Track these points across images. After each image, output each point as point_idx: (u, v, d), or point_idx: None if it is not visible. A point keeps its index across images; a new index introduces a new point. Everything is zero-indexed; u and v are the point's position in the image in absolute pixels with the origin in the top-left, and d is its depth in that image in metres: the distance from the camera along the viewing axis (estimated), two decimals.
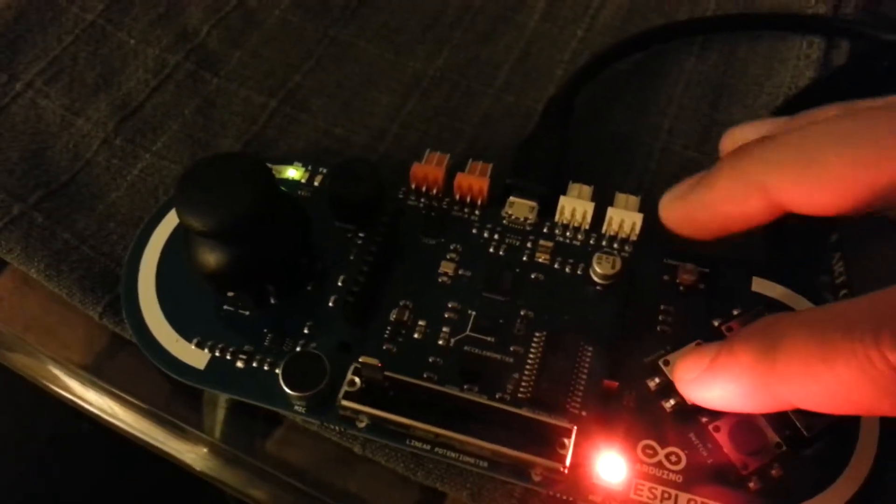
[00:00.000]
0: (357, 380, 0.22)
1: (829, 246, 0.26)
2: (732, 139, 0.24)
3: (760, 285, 0.25)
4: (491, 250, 0.26)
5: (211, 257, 0.22)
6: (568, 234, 0.26)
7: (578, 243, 0.26)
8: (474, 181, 0.26)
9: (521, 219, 0.26)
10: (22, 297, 0.26)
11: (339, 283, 0.25)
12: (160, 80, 0.31)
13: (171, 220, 0.26)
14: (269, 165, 0.23)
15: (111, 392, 0.25)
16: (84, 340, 0.26)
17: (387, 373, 0.22)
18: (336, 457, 0.24)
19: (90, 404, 0.26)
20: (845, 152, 0.19)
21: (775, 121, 0.24)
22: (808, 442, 0.22)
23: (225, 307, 0.25)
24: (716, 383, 0.20)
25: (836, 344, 0.17)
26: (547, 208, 0.26)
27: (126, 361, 0.25)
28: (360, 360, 0.21)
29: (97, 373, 0.25)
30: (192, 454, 0.25)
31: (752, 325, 0.19)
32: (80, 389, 0.26)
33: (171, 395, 0.25)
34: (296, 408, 0.23)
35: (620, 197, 0.26)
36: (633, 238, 0.26)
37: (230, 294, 0.24)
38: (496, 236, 0.26)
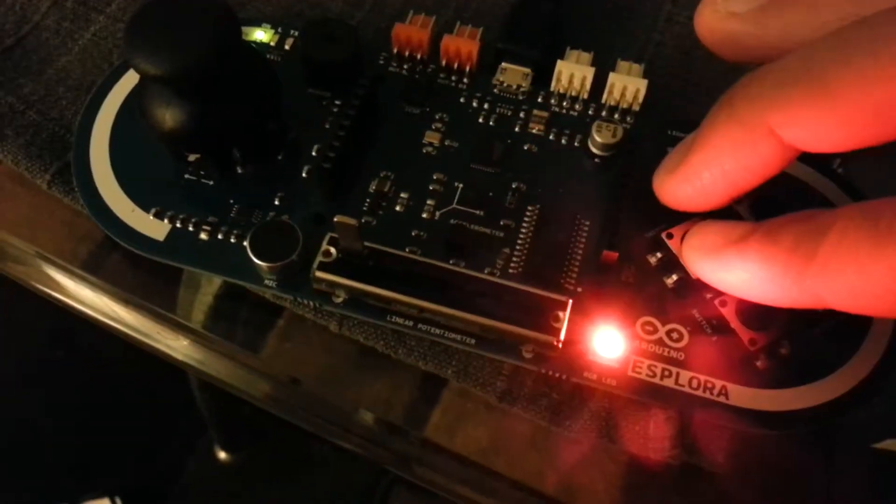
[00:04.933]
0: (333, 250, 0.20)
1: None
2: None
3: None
4: (480, 120, 0.24)
5: (167, 112, 0.20)
6: (565, 103, 0.24)
7: (576, 113, 0.24)
8: (463, 44, 0.24)
9: (514, 87, 0.24)
10: (3, 200, 0.24)
11: (314, 153, 0.23)
12: None
13: (126, 83, 0.24)
14: None
15: (97, 285, 0.23)
16: (67, 237, 0.23)
17: (366, 243, 0.20)
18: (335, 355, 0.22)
19: (75, 299, 0.24)
20: (861, 70, 0.15)
21: None
22: (821, 318, 0.20)
23: (186, 175, 0.22)
24: (740, 265, 0.18)
25: (891, 229, 0.15)
26: (542, 76, 0.24)
27: (114, 258, 0.23)
28: (336, 219, 0.19)
29: (82, 267, 0.23)
30: (177, 345, 0.23)
31: (795, 213, 0.17)
32: (65, 283, 0.24)
33: (160, 289, 0.23)
34: (266, 282, 0.21)
35: (623, 64, 0.24)
36: (636, 108, 0.23)
37: (191, 159, 0.22)
38: (486, 105, 0.24)
